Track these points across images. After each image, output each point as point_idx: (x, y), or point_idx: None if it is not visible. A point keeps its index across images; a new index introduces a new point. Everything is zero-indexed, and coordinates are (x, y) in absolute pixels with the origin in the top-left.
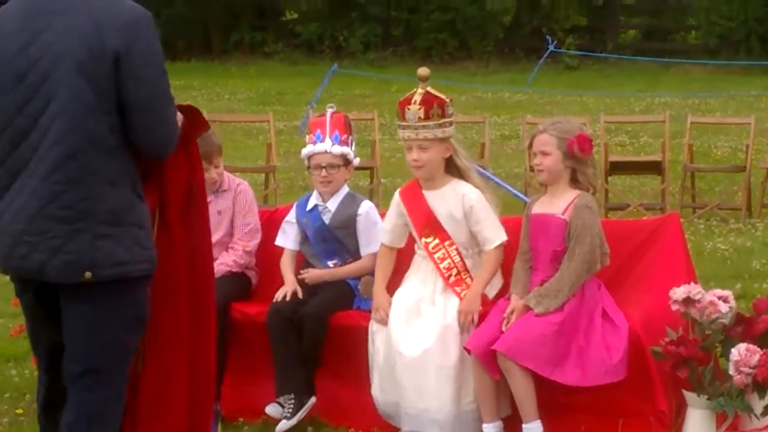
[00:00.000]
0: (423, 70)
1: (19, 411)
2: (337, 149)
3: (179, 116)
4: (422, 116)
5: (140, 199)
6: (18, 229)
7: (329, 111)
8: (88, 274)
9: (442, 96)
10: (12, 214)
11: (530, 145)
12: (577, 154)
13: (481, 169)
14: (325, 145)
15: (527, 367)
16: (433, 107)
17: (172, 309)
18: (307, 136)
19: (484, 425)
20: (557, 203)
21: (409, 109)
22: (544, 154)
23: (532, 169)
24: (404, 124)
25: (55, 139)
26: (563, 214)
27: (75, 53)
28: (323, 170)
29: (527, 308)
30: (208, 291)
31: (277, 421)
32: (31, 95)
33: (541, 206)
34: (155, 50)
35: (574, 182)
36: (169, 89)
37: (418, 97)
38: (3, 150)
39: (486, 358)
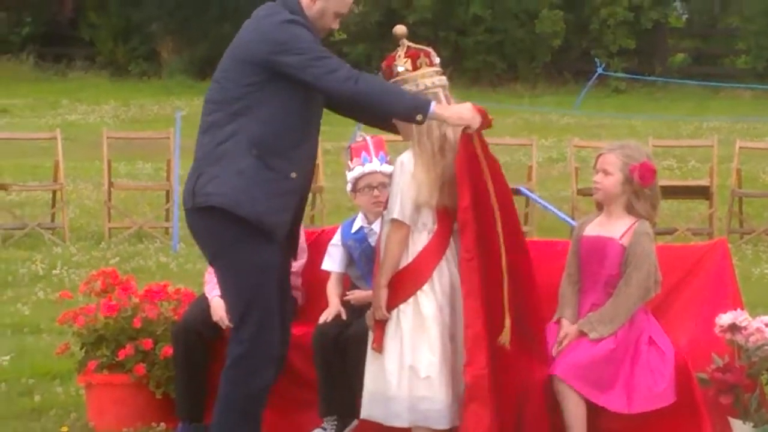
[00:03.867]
0: (399, 28)
1: (64, 429)
2: (387, 168)
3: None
4: (410, 68)
5: None
6: None
7: (361, 138)
8: None
9: (425, 47)
10: None
11: (595, 164)
12: (636, 181)
13: (527, 192)
14: (374, 165)
15: (580, 392)
16: (420, 57)
17: None
18: (351, 161)
19: None
20: (614, 227)
21: (396, 64)
22: (606, 173)
23: (579, 193)
24: (396, 79)
25: None
26: (621, 239)
27: None
28: (375, 190)
29: (580, 334)
30: None
31: None
32: None
33: (596, 228)
34: None
35: (629, 209)
36: None
37: (401, 52)
38: None
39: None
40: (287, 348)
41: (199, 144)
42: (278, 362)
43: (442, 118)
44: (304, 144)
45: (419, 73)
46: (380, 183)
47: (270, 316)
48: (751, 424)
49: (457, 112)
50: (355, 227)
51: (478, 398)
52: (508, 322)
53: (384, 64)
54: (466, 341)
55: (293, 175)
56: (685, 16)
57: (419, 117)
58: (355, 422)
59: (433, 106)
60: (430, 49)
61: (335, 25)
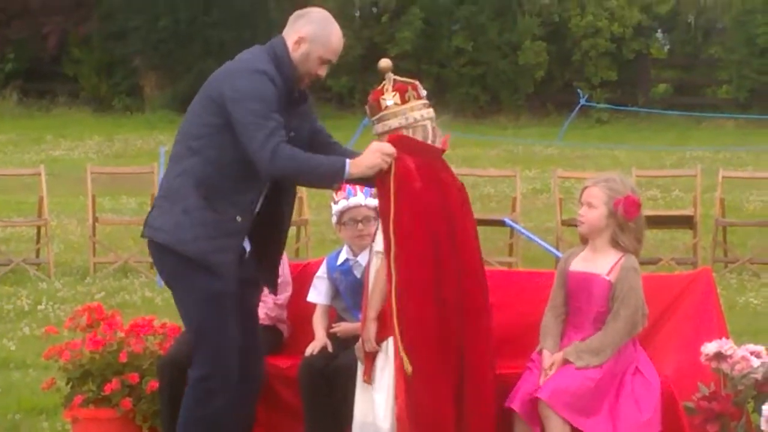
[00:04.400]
0: (384, 62)
1: None
2: (372, 202)
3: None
4: (399, 101)
5: None
6: None
7: None
8: None
9: (411, 80)
10: None
11: (580, 197)
12: (620, 215)
13: (511, 223)
14: (359, 199)
15: (562, 416)
16: (408, 90)
17: None
18: (336, 194)
19: None
20: (600, 262)
21: (384, 98)
22: (590, 206)
23: (563, 223)
24: (386, 113)
25: None
26: (608, 275)
27: None
28: (359, 224)
29: (566, 362)
30: None
31: None
32: None
33: (582, 264)
34: None
35: (614, 243)
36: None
37: (389, 85)
38: None
39: (527, 413)
40: (261, 376)
41: (164, 174)
42: (250, 392)
43: (358, 174)
44: (252, 192)
45: (408, 106)
46: (365, 216)
47: (225, 342)
48: None
49: (366, 163)
50: (340, 260)
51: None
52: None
53: (371, 98)
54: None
55: (238, 218)
56: (666, 47)
57: (336, 185)
58: None
59: (348, 168)
60: (416, 82)
61: (321, 72)
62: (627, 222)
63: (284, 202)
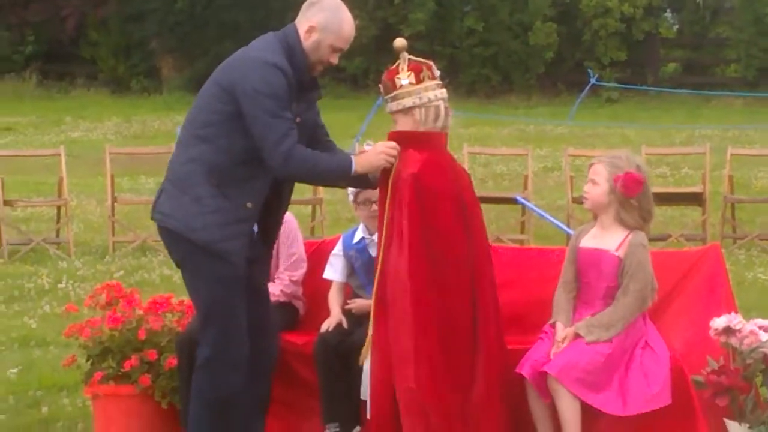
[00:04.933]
0: (399, 42)
1: None
2: None
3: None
4: (414, 81)
5: None
6: None
7: (367, 148)
8: None
9: (426, 60)
10: None
11: (588, 174)
12: (619, 191)
13: (523, 201)
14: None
15: (572, 391)
16: (423, 70)
17: None
18: None
19: None
20: (609, 239)
21: (399, 77)
22: (594, 183)
23: (574, 201)
24: (400, 92)
25: None
26: (617, 250)
27: None
28: (373, 205)
29: (577, 336)
30: None
31: None
32: None
33: (592, 240)
34: None
35: (619, 220)
36: None
37: (404, 65)
38: None
39: (537, 382)
40: (274, 353)
41: (170, 158)
42: (263, 370)
43: (363, 172)
44: (262, 177)
45: (422, 86)
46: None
47: (234, 323)
48: (747, 426)
49: (371, 161)
50: (356, 238)
51: (411, 413)
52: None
53: (386, 77)
54: (393, 358)
55: (249, 205)
56: (675, 27)
57: (343, 183)
58: (357, 429)
59: (354, 167)
60: (431, 63)
61: (333, 60)
62: (627, 199)
63: (286, 185)
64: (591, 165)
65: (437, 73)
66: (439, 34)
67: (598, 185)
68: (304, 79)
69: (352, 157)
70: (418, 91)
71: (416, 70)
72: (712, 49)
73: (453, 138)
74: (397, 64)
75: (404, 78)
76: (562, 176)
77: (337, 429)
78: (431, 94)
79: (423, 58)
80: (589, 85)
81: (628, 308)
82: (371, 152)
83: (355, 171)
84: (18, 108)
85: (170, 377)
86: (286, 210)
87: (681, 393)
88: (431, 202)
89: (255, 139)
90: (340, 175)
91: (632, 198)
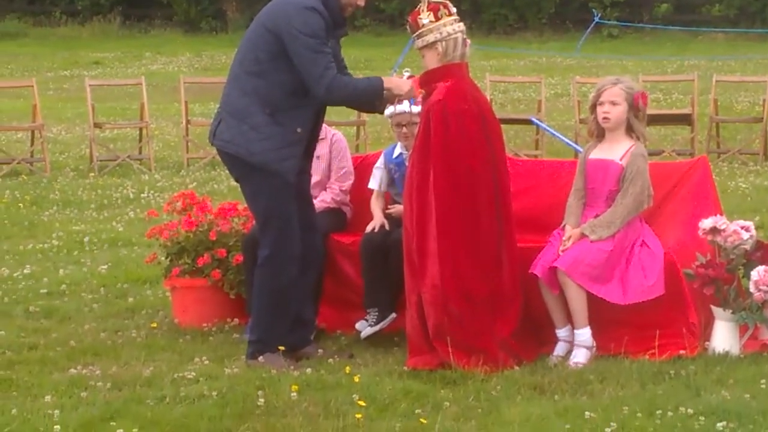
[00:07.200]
0: None
1: (154, 325)
2: (416, 109)
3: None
4: (433, 19)
5: None
6: None
7: (405, 75)
8: None
9: (443, 0)
10: None
11: (597, 97)
12: (640, 108)
13: (537, 122)
14: (404, 107)
15: (579, 283)
16: (440, 9)
17: None
18: None
19: (557, 330)
20: (615, 150)
21: (420, 18)
22: (614, 104)
23: (581, 122)
24: (423, 30)
25: None
26: (621, 160)
27: None
28: (404, 128)
29: (582, 236)
30: None
31: None
32: None
33: (600, 152)
34: None
35: (629, 132)
36: None
37: (424, 6)
38: None
39: (548, 278)
40: (321, 248)
41: (224, 91)
42: (312, 262)
43: (390, 87)
44: (309, 105)
45: (441, 22)
46: (408, 122)
47: (288, 224)
48: (730, 311)
49: (396, 82)
50: (395, 153)
51: (436, 305)
52: None
53: (410, 19)
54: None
55: (299, 130)
56: None
57: (377, 104)
58: (393, 315)
59: (384, 83)
60: (447, 2)
61: (361, 2)
62: (639, 112)
63: (322, 109)
64: (603, 89)
65: (453, 9)
66: None
67: (619, 105)
68: (336, 20)
69: (381, 77)
70: (438, 27)
71: (434, 10)
72: None
73: (476, 69)
74: (418, 6)
75: (425, 18)
76: (570, 101)
77: (376, 313)
78: (449, 29)
79: (452, 0)
80: (593, 23)
81: (626, 208)
82: (401, 80)
83: (386, 87)
84: (105, 45)
85: (237, 272)
86: (320, 129)
87: (674, 284)
88: (456, 121)
89: (300, 73)
90: (373, 93)
91: (643, 111)
